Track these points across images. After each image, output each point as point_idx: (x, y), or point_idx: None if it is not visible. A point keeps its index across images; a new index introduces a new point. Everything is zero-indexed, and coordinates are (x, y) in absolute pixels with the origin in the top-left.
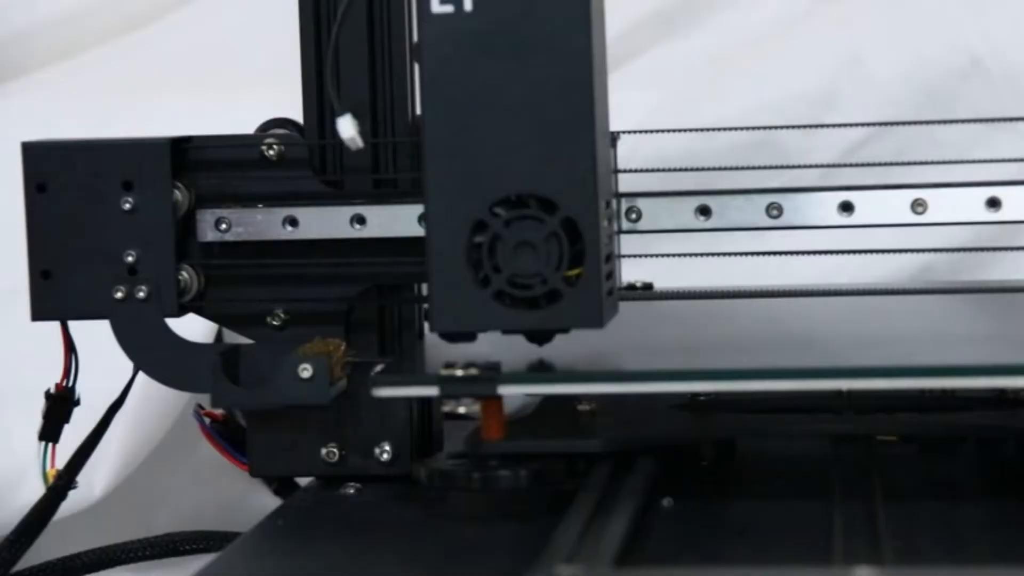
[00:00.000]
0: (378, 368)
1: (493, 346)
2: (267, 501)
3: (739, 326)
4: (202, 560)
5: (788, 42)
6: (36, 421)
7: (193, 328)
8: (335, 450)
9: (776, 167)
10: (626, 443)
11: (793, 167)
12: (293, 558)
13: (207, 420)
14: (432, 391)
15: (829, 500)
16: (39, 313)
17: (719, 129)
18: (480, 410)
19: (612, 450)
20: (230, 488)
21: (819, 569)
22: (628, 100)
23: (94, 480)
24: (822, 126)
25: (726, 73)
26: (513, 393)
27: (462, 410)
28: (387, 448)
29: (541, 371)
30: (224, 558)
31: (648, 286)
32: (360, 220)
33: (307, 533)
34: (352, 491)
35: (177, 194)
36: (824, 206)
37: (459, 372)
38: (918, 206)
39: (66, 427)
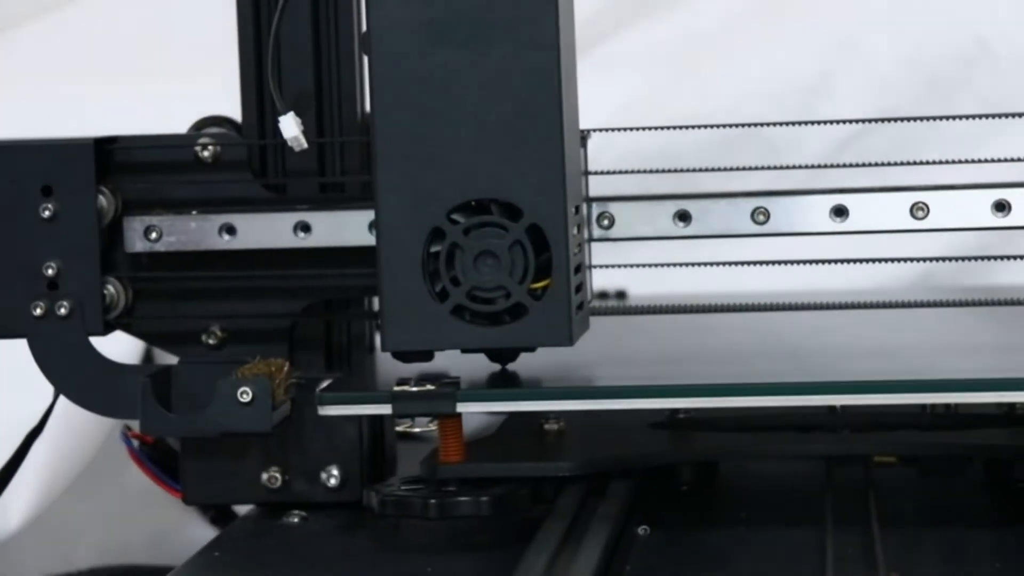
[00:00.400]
0: (325, 384)
1: (452, 361)
2: (202, 532)
3: (722, 337)
4: None
5: (778, 22)
6: None
7: (120, 347)
8: (277, 475)
9: (762, 168)
10: (598, 466)
11: (781, 168)
12: None
13: (136, 443)
14: (384, 409)
15: (821, 527)
16: None
17: (700, 127)
18: (437, 430)
19: (582, 473)
20: (161, 517)
21: None
22: (599, 90)
23: (10, 510)
24: (813, 123)
25: (709, 57)
26: (474, 411)
27: (417, 430)
28: (335, 472)
29: (504, 386)
30: None
31: (622, 293)
32: (305, 228)
33: (246, 567)
34: (296, 520)
35: (102, 200)
36: (815, 210)
37: (414, 388)
38: (918, 210)
39: None
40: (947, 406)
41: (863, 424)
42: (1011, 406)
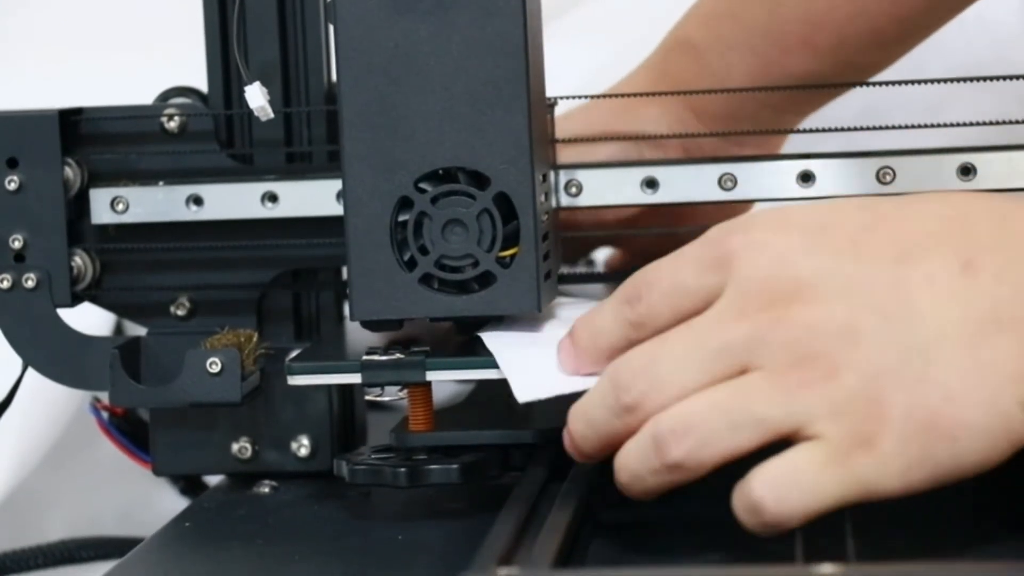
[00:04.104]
0: (294, 354)
1: (421, 331)
2: (173, 503)
3: None
4: (101, 568)
5: None
6: None
7: (88, 319)
8: (247, 445)
9: (729, 133)
10: None
11: (748, 133)
12: (201, 565)
13: (105, 415)
14: (354, 378)
15: None
16: None
17: (667, 93)
18: (407, 399)
19: (552, 440)
20: (131, 489)
21: (779, 567)
22: (566, 57)
23: None
24: (779, 88)
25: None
26: (443, 379)
27: (387, 399)
28: (305, 442)
29: (473, 354)
30: (125, 565)
31: (590, 261)
32: (272, 198)
33: (217, 537)
34: (267, 490)
35: (68, 171)
36: (782, 176)
37: (383, 357)
38: (885, 174)
39: None
40: None
41: None
42: None
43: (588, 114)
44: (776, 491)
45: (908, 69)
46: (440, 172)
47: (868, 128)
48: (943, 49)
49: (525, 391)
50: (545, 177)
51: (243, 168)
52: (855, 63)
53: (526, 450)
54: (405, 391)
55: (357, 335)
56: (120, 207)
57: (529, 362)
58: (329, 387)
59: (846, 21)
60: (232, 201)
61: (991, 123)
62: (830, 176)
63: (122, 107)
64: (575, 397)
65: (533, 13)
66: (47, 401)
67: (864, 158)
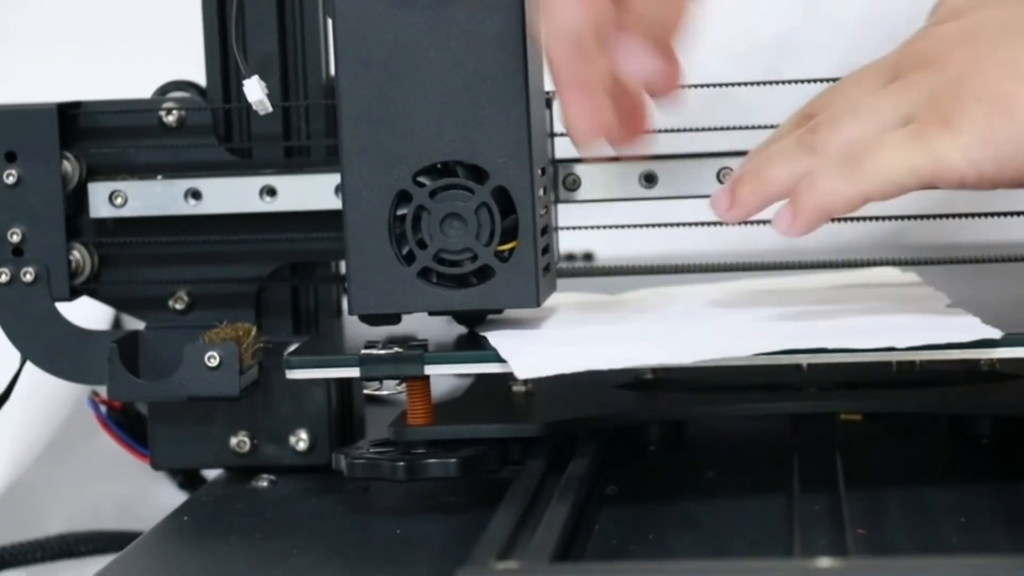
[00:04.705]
0: (292, 347)
1: (420, 325)
2: (171, 496)
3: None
4: (100, 562)
5: None
6: None
7: (87, 313)
8: (246, 439)
9: (729, 128)
10: (566, 426)
11: (748, 128)
12: (200, 558)
13: (103, 408)
14: (352, 372)
15: (788, 486)
16: None
17: None
18: (405, 392)
19: (550, 434)
20: (130, 483)
21: (778, 562)
22: None
23: None
24: (778, 82)
25: None
26: (441, 373)
27: (385, 393)
28: (303, 436)
29: (471, 349)
30: (123, 559)
31: (589, 255)
32: (270, 192)
33: (216, 531)
34: (265, 484)
35: (66, 165)
36: None
37: (382, 351)
38: None
39: None
40: (912, 363)
41: (829, 382)
42: (976, 363)
43: None
44: (867, 155)
45: None
46: (439, 166)
47: None
48: None
49: (525, 368)
50: (544, 171)
51: (241, 162)
52: None
53: (525, 444)
54: (403, 385)
55: (356, 329)
56: (118, 201)
57: (528, 345)
58: (328, 381)
59: None
60: (230, 195)
61: None
62: None
63: (120, 101)
64: (575, 390)
65: (531, 6)
66: (45, 395)
67: None
